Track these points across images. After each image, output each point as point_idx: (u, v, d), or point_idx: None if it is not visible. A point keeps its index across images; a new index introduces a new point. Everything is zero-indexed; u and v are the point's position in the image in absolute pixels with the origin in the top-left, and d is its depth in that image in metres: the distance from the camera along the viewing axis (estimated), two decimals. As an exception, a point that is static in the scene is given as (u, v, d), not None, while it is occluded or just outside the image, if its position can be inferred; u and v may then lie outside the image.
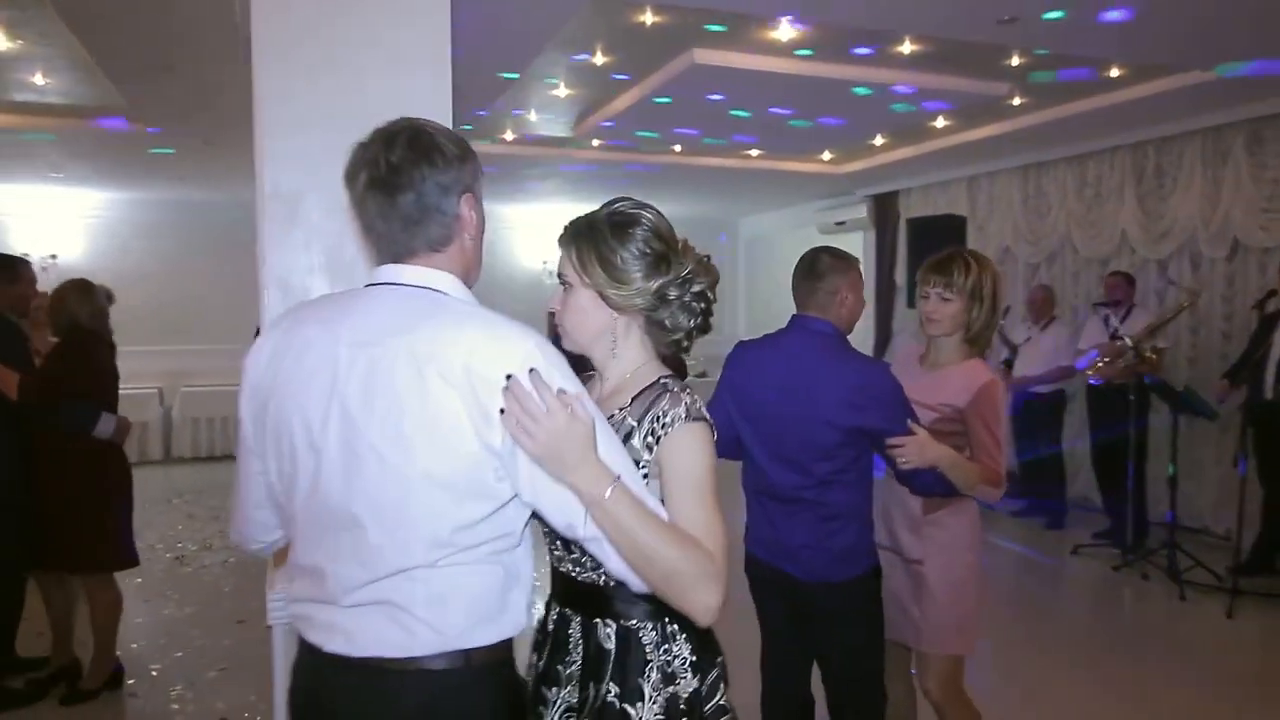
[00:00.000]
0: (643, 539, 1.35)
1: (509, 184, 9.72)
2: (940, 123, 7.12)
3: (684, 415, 1.52)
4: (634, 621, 1.58)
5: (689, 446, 1.51)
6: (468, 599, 1.38)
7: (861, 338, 10.47)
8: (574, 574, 1.63)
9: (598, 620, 1.60)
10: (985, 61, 5.41)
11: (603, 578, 1.58)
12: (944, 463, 2.41)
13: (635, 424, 1.56)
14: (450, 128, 1.50)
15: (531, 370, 1.33)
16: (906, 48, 5.13)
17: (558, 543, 1.62)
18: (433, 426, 1.32)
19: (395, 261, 1.45)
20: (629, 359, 1.66)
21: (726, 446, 2.55)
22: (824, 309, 2.58)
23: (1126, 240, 7.18)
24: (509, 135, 7.56)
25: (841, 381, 2.45)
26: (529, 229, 12.13)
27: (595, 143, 7.75)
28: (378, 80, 2.50)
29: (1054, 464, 6.99)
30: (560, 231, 1.76)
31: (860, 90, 5.80)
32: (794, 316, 2.65)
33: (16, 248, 9.91)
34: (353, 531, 1.36)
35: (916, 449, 2.39)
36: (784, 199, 11.23)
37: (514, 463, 1.34)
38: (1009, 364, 7.12)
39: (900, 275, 9.44)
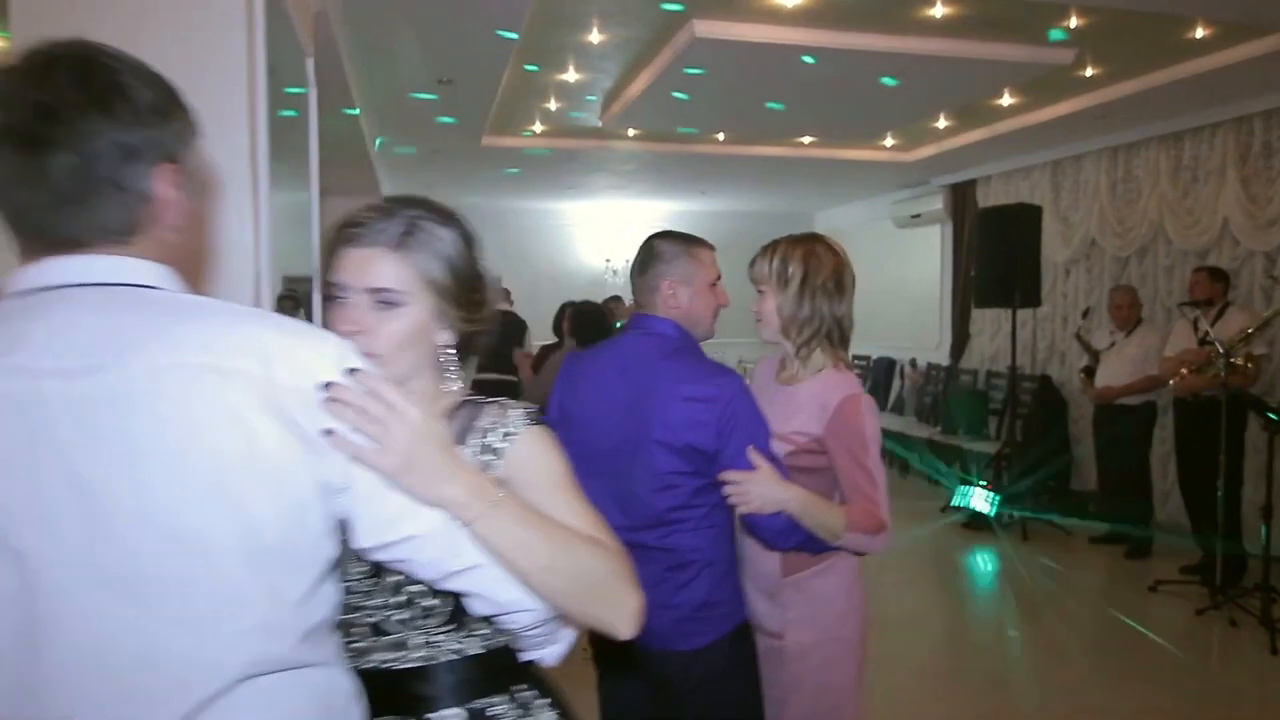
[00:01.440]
0: (546, 546, 1.09)
1: (561, 180, 9.35)
2: (1007, 100, 6.35)
3: (524, 420, 1.26)
4: (482, 700, 1.23)
5: (543, 448, 1.26)
6: None
7: (935, 342, 9.67)
8: (391, 664, 1.22)
9: (432, 716, 1.21)
10: (1033, 24, 4.71)
11: (435, 653, 1.22)
12: (793, 506, 1.89)
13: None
14: (153, 72, 1.02)
15: (352, 370, 1.00)
16: (938, 10, 4.48)
17: (365, 626, 1.22)
18: (224, 474, 0.92)
19: (57, 253, 0.99)
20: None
21: None
22: (656, 305, 2.11)
23: (1228, 229, 6.24)
24: (537, 127, 7.19)
25: (673, 390, 1.96)
26: (589, 226, 11.77)
27: (630, 132, 7.30)
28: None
29: (1139, 485, 6.14)
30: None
31: (887, 80, 5.16)
32: (632, 315, 2.21)
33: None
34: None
35: (753, 487, 1.87)
36: (859, 191, 10.51)
37: (355, 498, 1.00)
38: (1090, 372, 6.31)
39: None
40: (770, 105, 5.99)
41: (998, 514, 6.75)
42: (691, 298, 2.10)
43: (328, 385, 0.97)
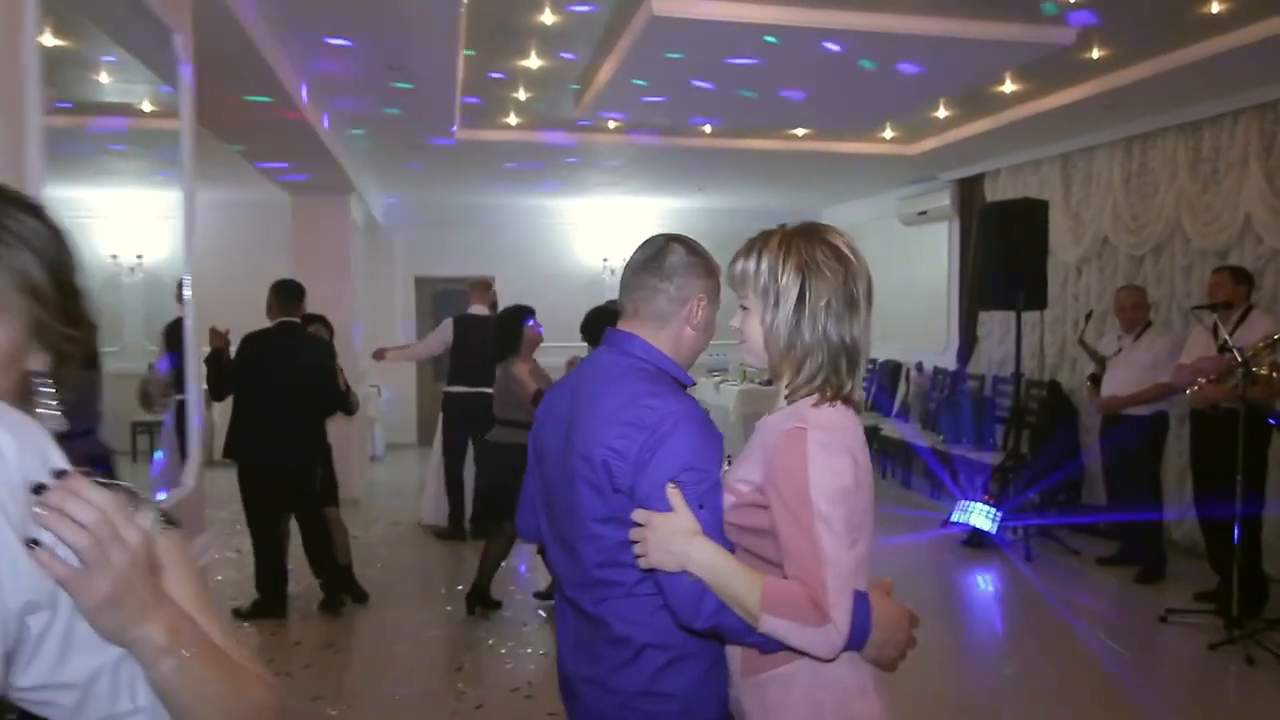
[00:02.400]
0: (234, 697, 0.95)
1: (548, 176, 8.98)
2: (1010, 87, 5.90)
3: (157, 524, 0.95)
4: None
5: (179, 559, 0.98)
6: None
7: (943, 345, 9.21)
8: None
9: None
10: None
11: None
12: (701, 570, 1.44)
13: None
14: None
15: (60, 473, 0.83)
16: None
17: None
18: None
19: None
20: None
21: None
22: (662, 323, 1.73)
23: (1251, 226, 5.75)
24: (512, 119, 6.82)
25: (610, 415, 1.60)
26: (585, 224, 11.40)
27: (611, 124, 6.91)
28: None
29: (1149, 502, 5.67)
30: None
31: (865, 64, 4.73)
32: (609, 331, 1.80)
33: (103, 249, 9.91)
34: None
35: (650, 534, 1.47)
36: (864, 187, 10.05)
37: (49, 626, 0.85)
38: (1096, 380, 5.85)
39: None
40: (743, 93, 5.58)
41: (1000, 531, 6.30)
42: (703, 328, 1.76)
43: (38, 488, 0.81)
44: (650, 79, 5.31)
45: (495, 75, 5.69)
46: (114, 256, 10.03)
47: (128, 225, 10.00)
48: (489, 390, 6.09)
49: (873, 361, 10.32)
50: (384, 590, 5.43)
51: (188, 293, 2.91)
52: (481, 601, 5.02)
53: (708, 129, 7.12)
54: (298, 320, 5.11)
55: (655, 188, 9.90)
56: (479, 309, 6.92)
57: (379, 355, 7.23)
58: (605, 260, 11.43)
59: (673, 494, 1.48)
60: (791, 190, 10.24)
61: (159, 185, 9.48)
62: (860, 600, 1.44)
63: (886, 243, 10.35)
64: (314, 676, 4.26)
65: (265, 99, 4.89)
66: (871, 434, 8.98)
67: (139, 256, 9.97)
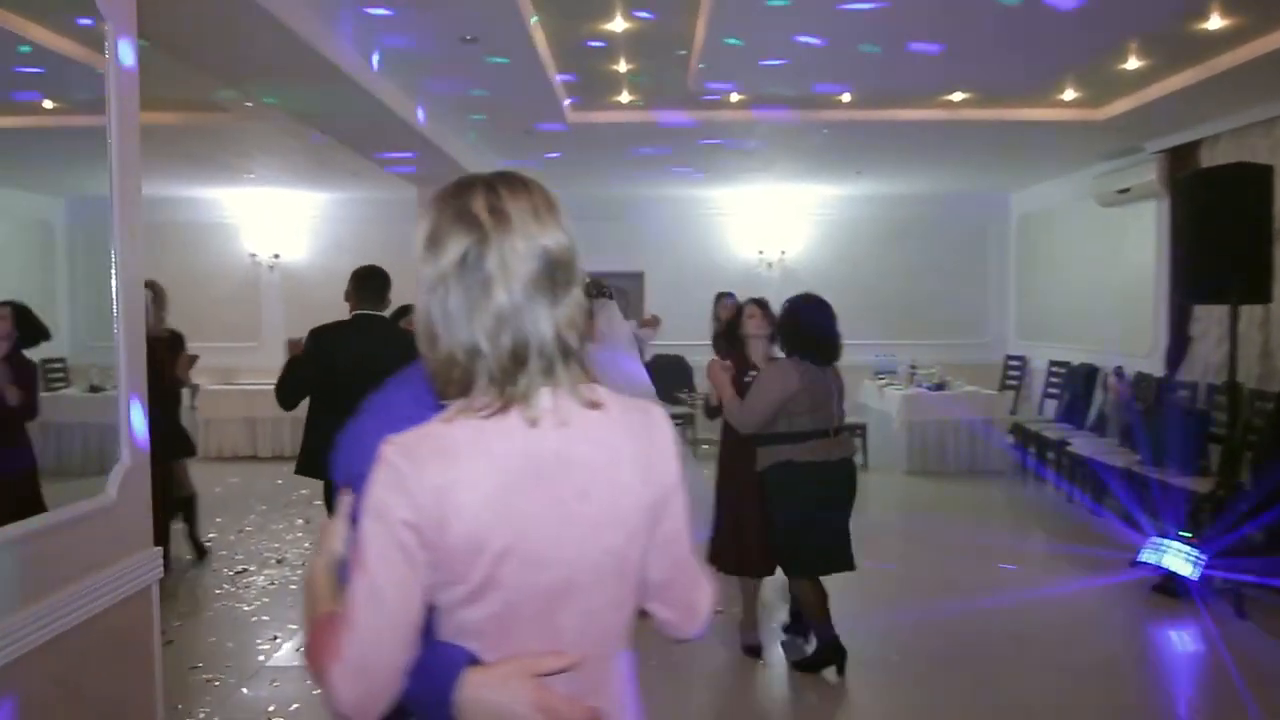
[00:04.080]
0: None
1: (690, 162, 8.36)
2: (1215, 22, 4.69)
3: None
4: None
5: None
6: None
7: (1148, 346, 7.79)
8: None
9: None
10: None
11: None
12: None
13: None
14: None
15: None
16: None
17: None
18: None
19: None
20: None
21: None
22: None
23: None
24: (624, 97, 6.27)
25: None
26: (741, 216, 10.68)
27: (734, 98, 6.21)
28: None
29: None
30: None
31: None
32: None
33: (245, 249, 10.47)
34: None
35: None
36: (1055, 164, 8.73)
37: None
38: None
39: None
40: (865, 49, 4.73)
41: (1203, 578, 5.06)
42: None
43: None
44: (748, 37, 4.60)
45: (593, 44, 5.16)
46: (253, 255, 10.37)
47: (267, 225, 10.40)
48: None
49: (1063, 365, 8.97)
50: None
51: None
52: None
53: (845, 97, 6.26)
54: (379, 313, 4.49)
55: (808, 173, 9.05)
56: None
57: None
58: (761, 253, 10.68)
59: (344, 499, 1.18)
60: (967, 172, 9.08)
61: (294, 186, 9.74)
62: (439, 668, 1.10)
63: (1083, 227, 8.98)
64: None
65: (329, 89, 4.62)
66: (1059, 449, 7.74)
67: (275, 255, 10.30)
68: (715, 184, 9.74)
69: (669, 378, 8.37)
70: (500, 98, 5.77)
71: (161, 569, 2.69)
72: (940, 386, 9.08)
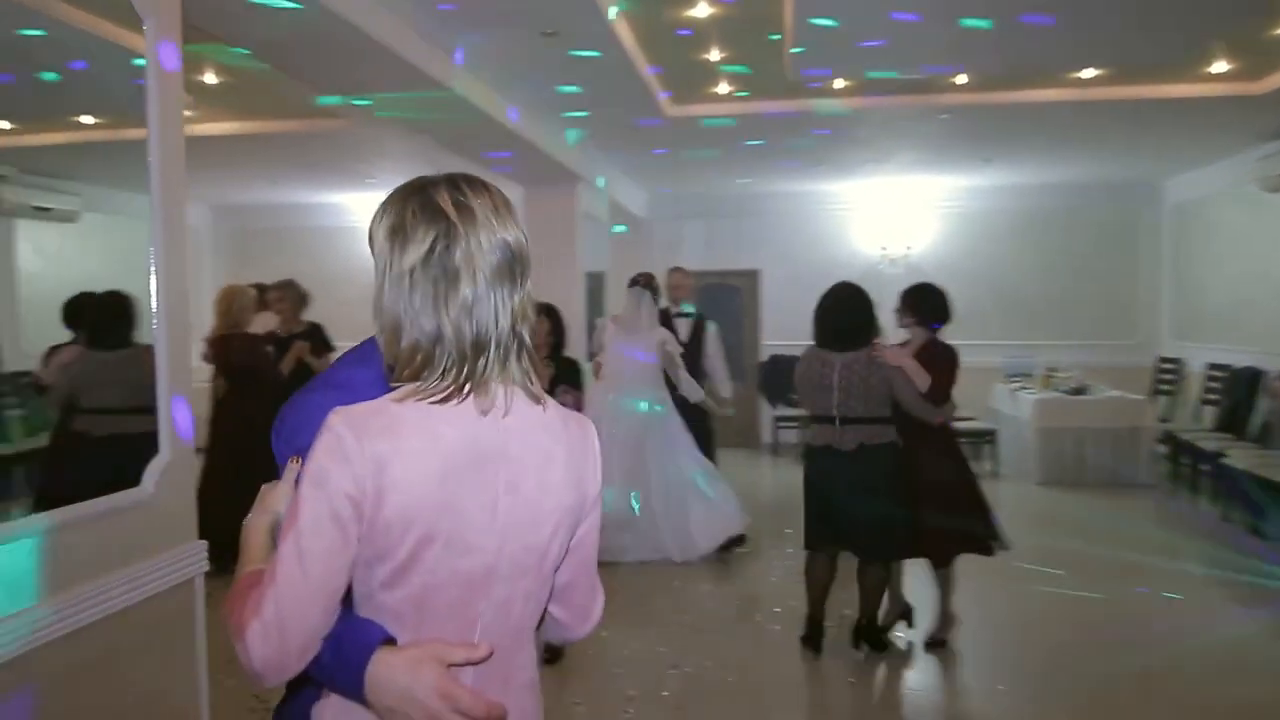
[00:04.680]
0: None
1: (800, 155, 8.06)
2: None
3: None
4: None
5: None
6: None
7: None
8: None
9: None
10: None
11: None
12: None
13: None
14: None
15: None
16: None
17: None
18: None
19: None
20: None
21: None
22: None
23: None
24: (722, 88, 6.07)
25: None
26: (863, 210, 10.25)
27: (838, 84, 5.90)
28: None
29: None
30: None
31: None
32: None
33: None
34: None
35: None
36: (1208, 147, 7.91)
37: None
38: None
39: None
40: (967, 24, 4.36)
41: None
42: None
43: None
44: (841, 16, 4.32)
45: (681, 33, 5.00)
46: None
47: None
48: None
49: (1223, 369, 8.13)
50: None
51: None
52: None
53: (959, 79, 5.84)
54: None
55: (931, 163, 8.55)
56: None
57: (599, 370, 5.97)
58: (884, 249, 10.21)
59: (291, 467, 1.22)
60: (1108, 158, 8.37)
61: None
62: (354, 642, 1.12)
63: (1245, 217, 8.12)
64: None
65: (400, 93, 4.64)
66: (1214, 462, 6.98)
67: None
68: (832, 178, 9.36)
69: (785, 380, 8.07)
70: (593, 94, 5.68)
71: (206, 562, 2.71)
72: (1079, 391, 8.40)
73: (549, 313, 4.34)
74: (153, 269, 2.53)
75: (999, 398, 9.21)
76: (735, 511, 5.76)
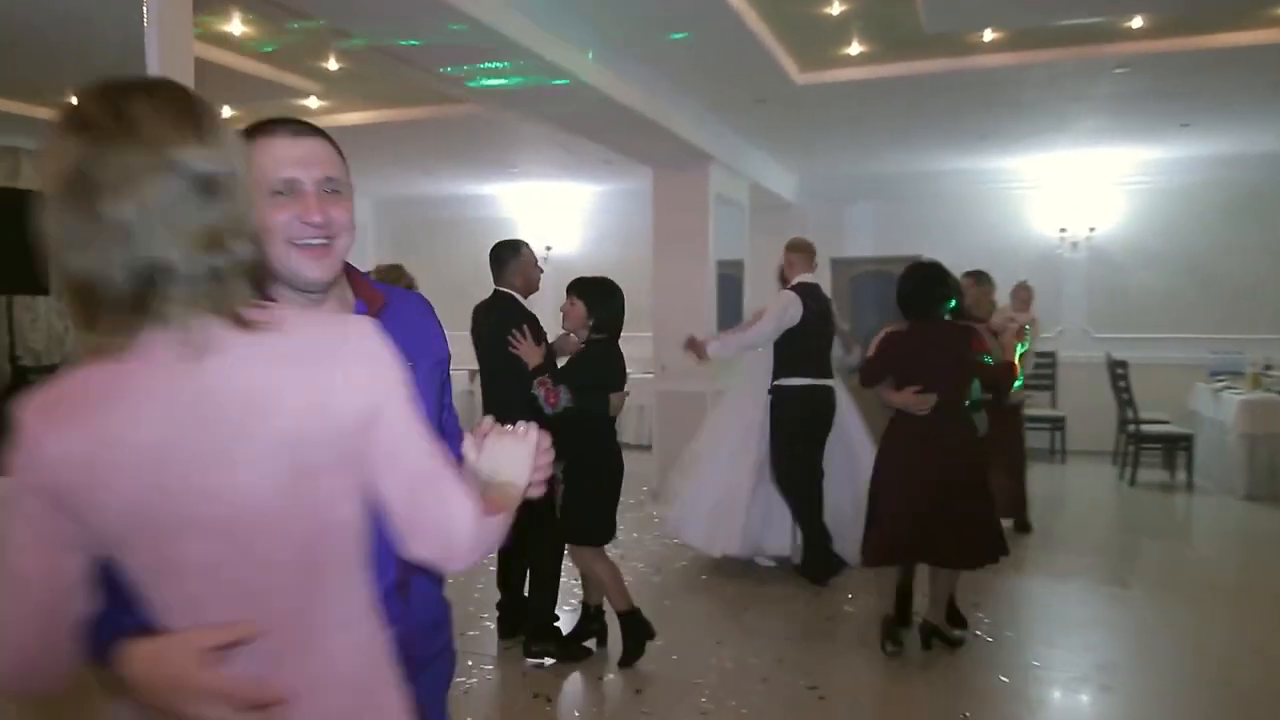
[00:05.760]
0: None
1: (978, 127, 7.30)
2: None
3: None
4: None
5: None
6: None
7: None
8: None
9: None
10: None
11: None
12: None
13: None
14: None
15: None
16: None
17: None
18: None
19: None
20: None
21: None
22: None
23: None
24: (853, 48, 5.52)
25: None
26: (1040, 186, 9.25)
27: (987, 36, 5.23)
28: None
29: None
30: None
31: None
32: None
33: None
34: None
35: None
36: None
37: None
38: None
39: None
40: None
41: None
42: None
43: None
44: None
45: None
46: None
47: (539, 219, 10.55)
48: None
49: None
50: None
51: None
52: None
53: (1135, 23, 5.01)
54: (498, 288, 4.12)
55: (1116, 130, 7.54)
56: (807, 277, 5.46)
57: (695, 348, 5.25)
58: (1063, 232, 9.18)
59: None
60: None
61: (558, 178, 9.82)
62: (102, 640, 1.04)
63: None
64: None
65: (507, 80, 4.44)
66: None
67: (548, 248, 10.44)
68: (999, 152, 8.48)
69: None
70: (709, 62, 5.30)
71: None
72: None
73: (583, 292, 3.84)
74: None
75: (1199, 398, 8.04)
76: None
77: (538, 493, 1.23)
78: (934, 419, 3.74)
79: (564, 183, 10.07)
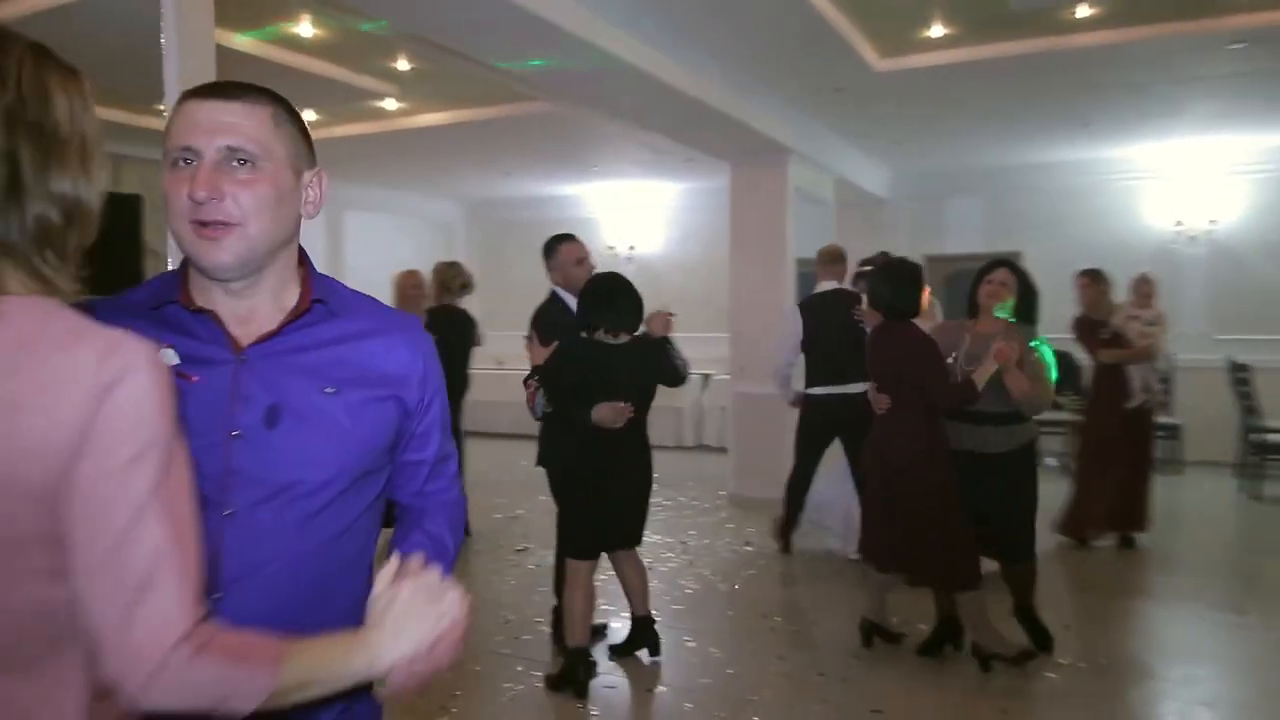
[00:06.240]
0: None
1: (1078, 114, 6.85)
2: None
3: None
4: None
5: None
6: None
7: None
8: None
9: None
10: None
11: None
12: None
13: None
14: None
15: None
16: None
17: None
18: None
19: None
20: None
21: None
22: None
23: None
24: (935, 30, 5.20)
25: None
26: (1154, 177, 8.62)
27: (1081, 13, 4.84)
28: None
29: None
30: None
31: None
32: None
33: (604, 242, 10.69)
34: None
35: None
36: None
37: None
38: None
39: None
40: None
41: None
42: None
43: None
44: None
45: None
46: (610, 248, 10.25)
47: (623, 218, 10.43)
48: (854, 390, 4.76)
49: None
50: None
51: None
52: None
53: (1249, -8, 4.56)
54: (554, 287, 4.06)
55: (1235, 114, 6.93)
56: (826, 286, 5.27)
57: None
58: (1180, 225, 8.53)
59: None
60: None
61: (641, 177, 9.69)
62: None
63: None
64: None
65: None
66: None
67: (631, 247, 10.32)
68: (1105, 141, 7.93)
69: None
70: (780, 50, 5.09)
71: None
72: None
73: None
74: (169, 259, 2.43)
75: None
76: None
77: (427, 668, 1.00)
78: (886, 420, 3.67)
79: (646, 181, 9.95)
